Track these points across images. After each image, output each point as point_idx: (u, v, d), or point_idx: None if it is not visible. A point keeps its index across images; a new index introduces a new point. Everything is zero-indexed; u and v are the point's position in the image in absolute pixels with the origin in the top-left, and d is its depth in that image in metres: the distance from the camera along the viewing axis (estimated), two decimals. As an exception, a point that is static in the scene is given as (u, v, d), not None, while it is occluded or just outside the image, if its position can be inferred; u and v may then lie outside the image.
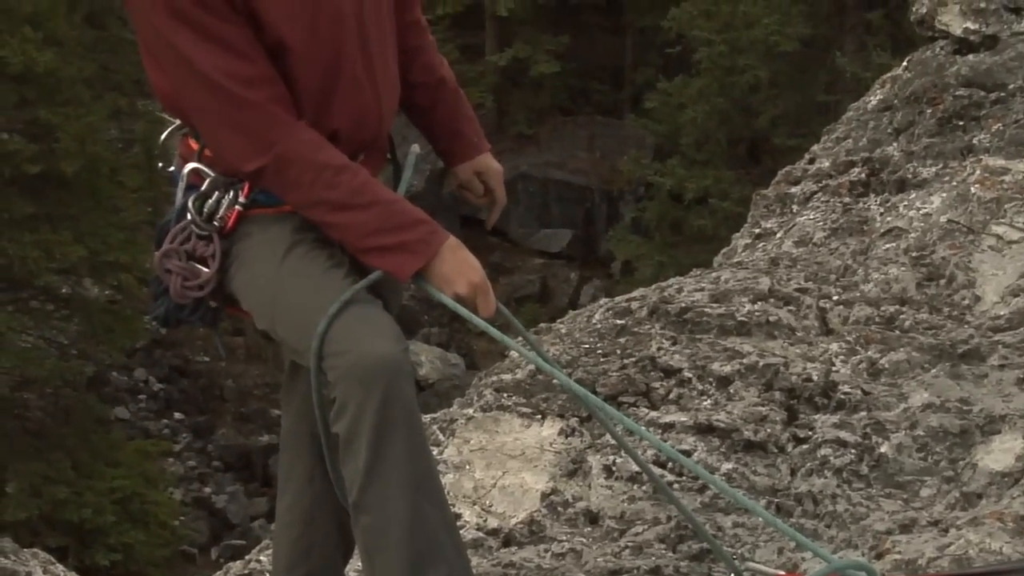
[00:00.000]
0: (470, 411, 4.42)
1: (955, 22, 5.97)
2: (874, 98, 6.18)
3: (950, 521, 3.65)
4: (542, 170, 30.71)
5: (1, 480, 18.28)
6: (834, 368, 4.36)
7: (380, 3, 3.06)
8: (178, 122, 3.07)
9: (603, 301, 5.09)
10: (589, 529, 3.96)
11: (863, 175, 5.56)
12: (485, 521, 4.02)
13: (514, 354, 4.41)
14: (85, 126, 18.53)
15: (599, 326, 4.78)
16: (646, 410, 4.28)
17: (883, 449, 4.00)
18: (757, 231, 5.72)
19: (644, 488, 4.00)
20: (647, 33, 31.11)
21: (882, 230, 5.14)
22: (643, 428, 3.66)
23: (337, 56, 2.95)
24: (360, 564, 3.10)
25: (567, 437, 4.22)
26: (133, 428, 23.11)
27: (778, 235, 5.52)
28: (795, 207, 5.69)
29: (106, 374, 23.86)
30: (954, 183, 5.17)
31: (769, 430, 4.13)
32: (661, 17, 27.16)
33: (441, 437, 4.33)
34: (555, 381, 3.91)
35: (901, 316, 4.64)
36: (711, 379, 4.35)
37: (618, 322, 4.76)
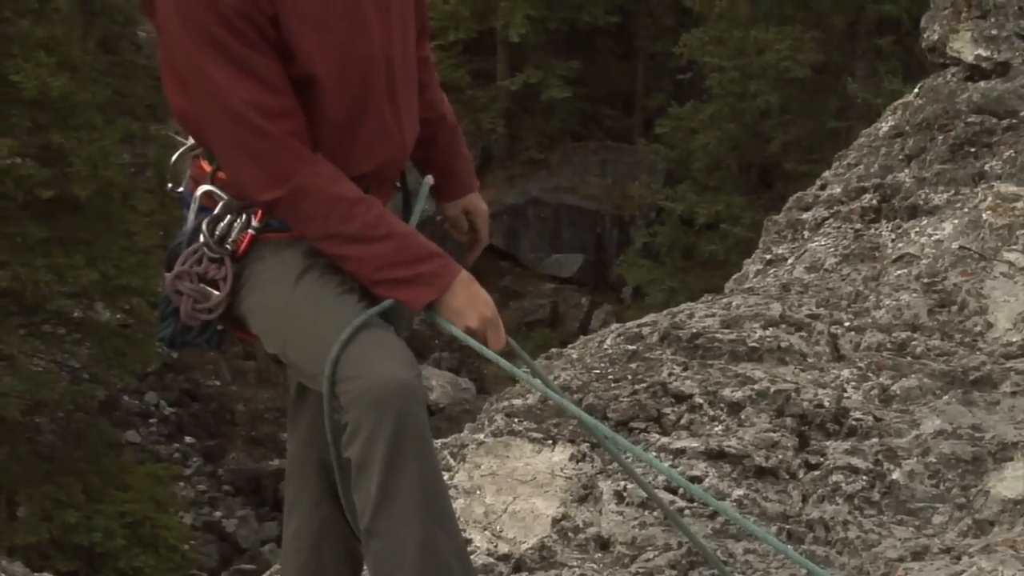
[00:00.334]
0: (481, 436, 4.41)
1: (967, 49, 5.98)
2: (886, 124, 6.19)
3: (962, 548, 3.64)
4: (553, 195, 30.76)
5: (12, 504, 18.29)
6: (845, 394, 4.35)
7: (407, 45, 3.08)
8: (189, 143, 3.08)
9: (614, 326, 5.09)
10: (600, 555, 3.95)
11: (875, 201, 5.56)
12: (496, 546, 4.02)
13: (525, 380, 4.41)
14: (98, 150, 18.60)
15: (610, 351, 4.78)
16: (657, 436, 4.27)
17: (895, 476, 3.99)
18: (768, 257, 5.72)
19: (655, 514, 3.99)
20: (658, 59, 31.22)
21: (893, 256, 5.14)
22: (652, 456, 3.66)
23: (364, 93, 2.96)
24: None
25: (578, 462, 4.21)
26: (144, 452, 23.13)
27: (789, 261, 5.52)
28: (806, 233, 5.69)
29: (117, 398, 23.91)
30: (966, 210, 5.17)
31: (780, 456, 4.12)
32: (672, 43, 27.26)
33: (452, 462, 4.33)
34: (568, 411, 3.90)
35: (913, 342, 4.64)
36: (722, 405, 4.34)
37: (629, 347, 4.76)
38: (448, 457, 4.36)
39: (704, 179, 26.14)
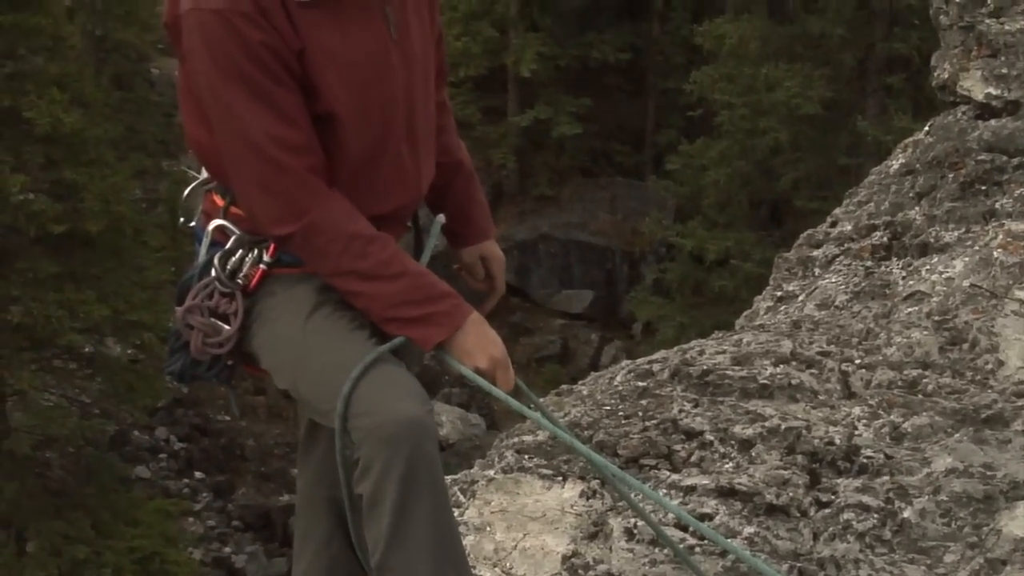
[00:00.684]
0: (491, 472, 4.41)
1: (977, 87, 5.98)
2: (896, 162, 6.19)
3: (974, 587, 3.63)
4: (564, 231, 30.81)
5: (21, 539, 18.27)
6: (856, 432, 4.34)
7: (428, 88, 3.10)
8: (202, 177, 3.09)
9: (625, 363, 5.08)
10: (610, 592, 3.93)
11: (885, 239, 5.56)
12: (506, 584, 4.01)
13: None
14: (110, 186, 18.69)
15: (621, 388, 4.78)
16: (667, 473, 4.26)
17: (906, 514, 3.98)
18: (779, 294, 5.72)
19: (666, 551, 3.98)
20: (669, 95, 31.31)
21: (904, 294, 5.14)
22: (660, 494, 3.65)
23: (384, 134, 2.97)
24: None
25: (588, 499, 4.20)
26: (154, 487, 23.11)
27: (800, 298, 5.51)
28: (817, 270, 5.69)
29: (127, 433, 23.92)
30: (976, 247, 5.17)
31: (791, 494, 4.10)
32: (683, 80, 27.37)
33: (462, 498, 4.32)
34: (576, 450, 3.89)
35: (924, 380, 4.63)
36: (733, 442, 4.33)
37: (640, 384, 4.75)
38: (458, 493, 4.35)
39: (714, 215, 26.18)
